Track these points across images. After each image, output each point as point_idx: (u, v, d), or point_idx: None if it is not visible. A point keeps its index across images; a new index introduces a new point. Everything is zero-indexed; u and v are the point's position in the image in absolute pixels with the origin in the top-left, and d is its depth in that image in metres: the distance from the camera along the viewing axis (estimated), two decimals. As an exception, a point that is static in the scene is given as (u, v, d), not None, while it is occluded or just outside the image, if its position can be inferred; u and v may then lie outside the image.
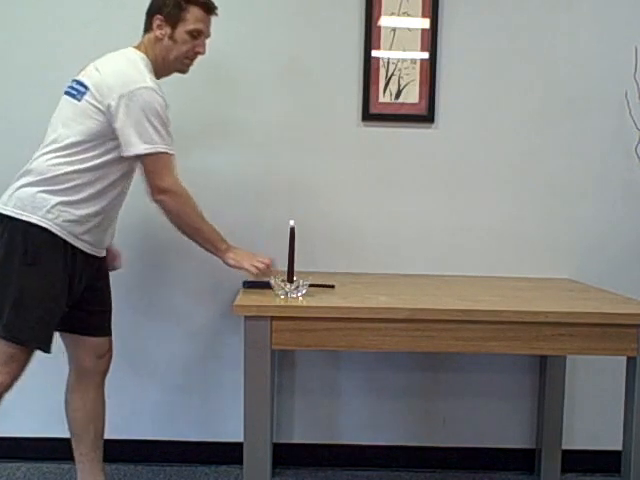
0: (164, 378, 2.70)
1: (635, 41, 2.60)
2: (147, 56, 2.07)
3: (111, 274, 2.27)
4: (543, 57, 2.63)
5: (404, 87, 2.61)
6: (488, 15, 2.61)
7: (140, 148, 1.94)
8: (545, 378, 2.61)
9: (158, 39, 2.07)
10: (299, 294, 2.02)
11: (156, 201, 2.02)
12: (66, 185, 1.96)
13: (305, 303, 1.96)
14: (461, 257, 2.66)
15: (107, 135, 1.96)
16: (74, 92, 2.00)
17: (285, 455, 2.71)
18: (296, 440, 2.73)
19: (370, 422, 2.73)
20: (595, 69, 2.63)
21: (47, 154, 1.98)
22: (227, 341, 2.66)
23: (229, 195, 2.63)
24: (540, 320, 1.93)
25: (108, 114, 1.94)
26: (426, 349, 1.96)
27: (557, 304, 2.11)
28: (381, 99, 2.62)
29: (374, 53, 2.59)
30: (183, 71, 2.17)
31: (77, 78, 2.03)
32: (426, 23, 2.59)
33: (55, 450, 2.65)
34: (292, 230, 2.05)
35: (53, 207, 1.94)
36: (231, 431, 2.67)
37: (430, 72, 2.60)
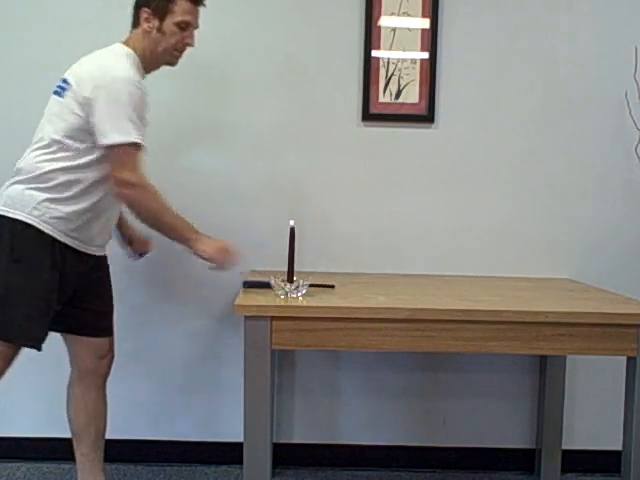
0: (164, 378, 2.70)
1: (635, 41, 2.60)
2: (135, 50, 2.04)
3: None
4: (543, 57, 2.63)
5: (404, 87, 2.61)
6: (488, 15, 2.61)
7: (112, 138, 1.90)
8: (545, 378, 2.61)
9: (146, 32, 2.05)
10: (299, 294, 2.02)
11: (120, 194, 1.97)
12: (52, 183, 1.95)
13: (305, 303, 1.96)
14: (461, 257, 2.66)
15: (88, 130, 1.93)
16: (59, 90, 2.00)
17: (285, 455, 2.71)
18: (296, 440, 2.73)
19: (370, 422, 2.73)
20: (595, 69, 2.63)
21: (33, 152, 1.98)
22: (227, 341, 2.66)
23: (229, 195, 2.63)
24: (540, 320, 1.93)
25: (87, 107, 1.92)
26: (426, 349, 1.96)
27: (557, 304, 2.11)
28: (381, 99, 2.62)
29: (374, 53, 2.59)
30: (172, 63, 2.14)
31: (63, 76, 2.02)
32: (426, 23, 2.59)
33: (55, 450, 2.65)
34: (292, 230, 2.05)
35: (39, 204, 1.94)
36: (231, 431, 2.67)
37: (430, 72, 2.60)
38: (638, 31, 2.61)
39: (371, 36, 2.58)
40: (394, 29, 2.60)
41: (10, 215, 1.93)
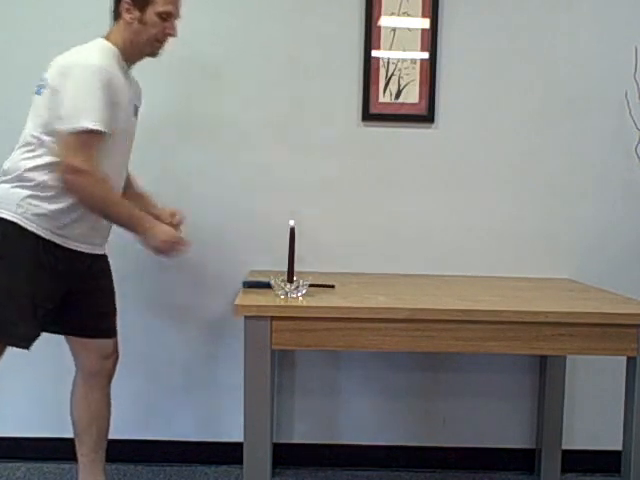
0: (164, 378, 2.70)
1: (635, 41, 2.60)
2: (116, 42, 2.03)
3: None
4: (543, 57, 2.63)
5: (404, 87, 2.61)
6: (488, 15, 2.61)
7: (67, 123, 1.86)
8: (545, 378, 2.61)
9: (127, 23, 2.02)
10: (299, 294, 2.02)
11: (64, 180, 1.89)
12: (34, 181, 1.93)
13: (305, 303, 1.96)
14: (461, 257, 2.66)
15: None
16: (38, 88, 1.99)
17: (285, 455, 2.71)
18: (296, 440, 2.73)
19: (370, 422, 2.73)
20: (595, 69, 2.63)
21: (17, 151, 1.99)
22: (227, 341, 2.66)
23: (229, 195, 2.63)
24: (540, 320, 1.93)
25: (55, 97, 1.90)
26: (426, 349, 1.96)
27: (557, 304, 2.11)
28: (381, 99, 2.62)
29: (374, 53, 2.59)
30: (154, 54, 2.11)
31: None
32: (426, 23, 2.59)
33: (55, 450, 2.65)
34: (292, 230, 2.05)
35: (22, 200, 1.93)
36: (231, 431, 2.67)
37: (430, 72, 2.60)
38: (638, 31, 2.61)
39: (371, 36, 2.58)
40: (394, 29, 2.60)
41: None
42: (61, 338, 2.18)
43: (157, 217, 2.16)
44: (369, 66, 2.60)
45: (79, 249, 2.03)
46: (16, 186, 1.94)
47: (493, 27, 2.62)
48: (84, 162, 1.87)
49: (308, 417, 2.72)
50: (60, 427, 2.62)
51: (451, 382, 2.72)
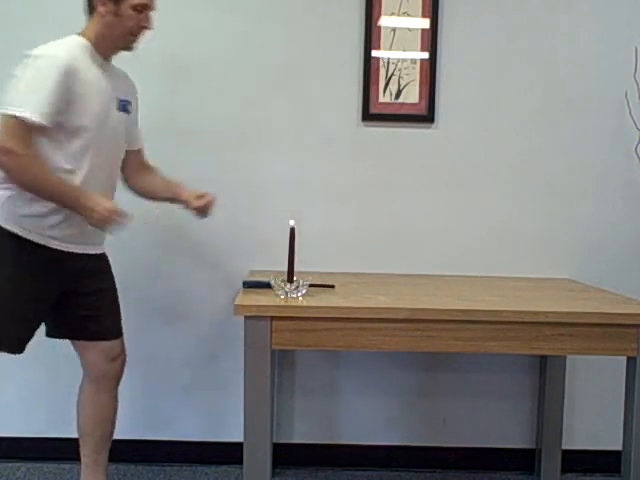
0: (164, 378, 2.70)
1: (635, 41, 2.60)
2: (90, 37, 2.00)
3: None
4: (543, 57, 2.63)
5: (404, 87, 2.61)
6: (488, 15, 2.61)
7: (9, 106, 1.85)
8: (545, 378, 2.61)
9: (102, 16, 1.99)
10: (299, 294, 2.02)
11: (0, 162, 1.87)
12: (12, 184, 1.92)
13: (305, 303, 1.96)
14: (461, 257, 2.66)
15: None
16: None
17: (285, 455, 2.71)
18: (296, 440, 2.73)
19: (370, 422, 2.73)
20: (595, 69, 2.63)
21: None
22: (227, 341, 2.66)
23: (229, 195, 2.62)
24: (540, 320, 1.93)
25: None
26: (426, 349, 1.96)
27: (557, 304, 2.11)
28: (381, 99, 2.62)
29: (374, 53, 2.59)
30: (129, 48, 2.08)
31: None
32: (426, 23, 2.59)
33: (55, 450, 2.65)
34: (292, 230, 2.05)
35: (5, 202, 1.93)
36: (231, 431, 2.67)
37: (430, 72, 2.60)
38: (638, 31, 2.61)
39: (371, 36, 2.58)
40: (394, 29, 2.60)
41: None
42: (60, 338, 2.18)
43: (185, 200, 2.17)
44: (369, 66, 2.60)
45: (69, 250, 2.01)
46: (1, 189, 1.94)
47: (493, 27, 2.62)
48: (17, 144, 1.85)
49: (308, 417, 2.72)
50: (60, 427, 2.63)
51: (451, 382, 2.72)
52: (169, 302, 2.67)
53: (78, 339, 2.15)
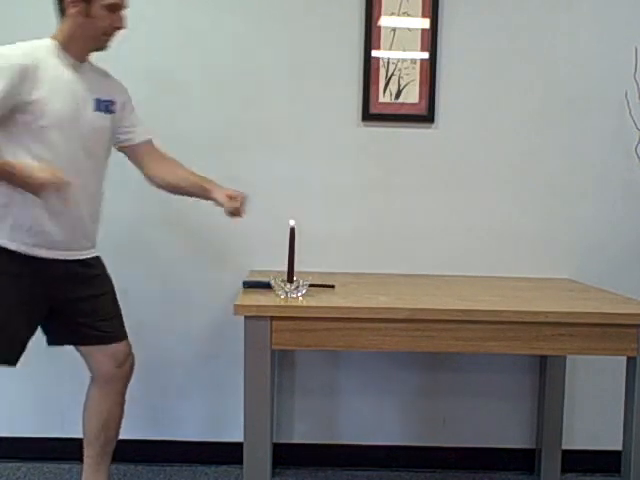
0: (164, 378, 2.70)
1: (635, 41, 2.60)
2: (57, 38, 1.97)
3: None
4: (543, 57, 2.63)
5: (404, 87, 2.61)
6: (488, 15, 2.61)
7: None
8: (545, 378, 2.61)
9: (73, 17, 1.94)
10: (299, 294, 2.02)
11: None
12: None
13: (305, 303, 1.96)
14: (461, 257, 2.66)
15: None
16: None
17: (285, 455, 2.71)
18: (296, 440, 2.73)
19: (370, 422, 2.73)
20: (595, 69, 2.63)
21: None
22: (227, 341, 2.66)
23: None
24: (540, 320, 1.93)
25: None
26: (426, 349, 1.96)
27: (557, 304, 2.11)
28: (381, 99, 2.62)
29: (374, 53, 2.59)
30: (102, 48, 2.04)
31: None
32: (426, 23, 2.59)
33: (55, 450, 2.65)
34: (292, 230, 2.05)
35: None
36: (231, 431, 2.67)
37: (430, 72, 2.60)
38: (638, 31, 2.61)
39: (371, 36, 2.58)
40: (394, 29, 2.60)
41: None
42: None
43: (218, 200, 2.15)
44: (369, 66, 2.60)
45: (51, 256, 1.98)
46: None
47: (493, 27, 2.62)
48: None
49: (308, 417, 2.72)
50: (60, 427, 2.63)
51: (451, 382, 2.72)
52: (169, 302, 2.67)
53: (80, 345, 2.14)
